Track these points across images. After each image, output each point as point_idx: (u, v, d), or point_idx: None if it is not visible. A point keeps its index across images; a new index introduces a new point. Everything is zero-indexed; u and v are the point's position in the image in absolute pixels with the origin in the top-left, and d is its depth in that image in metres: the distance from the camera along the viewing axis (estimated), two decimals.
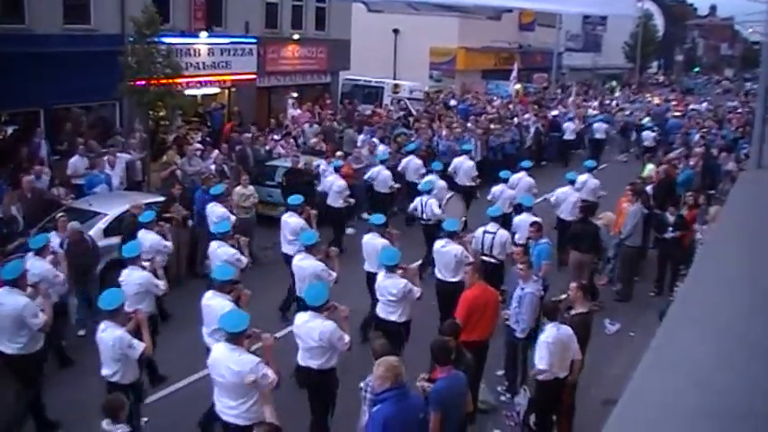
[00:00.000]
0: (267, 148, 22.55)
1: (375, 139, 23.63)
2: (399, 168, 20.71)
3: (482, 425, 10.73)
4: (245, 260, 12.61)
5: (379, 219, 13.35)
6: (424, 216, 16.37)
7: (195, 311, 10.50)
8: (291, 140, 23.84)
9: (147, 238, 13.09)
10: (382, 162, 19.92)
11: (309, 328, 9.17)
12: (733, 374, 4.09)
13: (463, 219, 17.19)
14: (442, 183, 18.09)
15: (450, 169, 20.28)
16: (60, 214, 14.45)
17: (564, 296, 10.96)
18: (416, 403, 7.46)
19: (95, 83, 21.31)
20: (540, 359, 9.55)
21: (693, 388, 3.85)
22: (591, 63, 69.43)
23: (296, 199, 14.43)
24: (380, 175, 19.71)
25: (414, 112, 32.99)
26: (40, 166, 17.60)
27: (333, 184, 18.10)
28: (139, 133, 21.08)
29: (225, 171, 19.18)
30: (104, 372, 9.09)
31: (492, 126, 28.14)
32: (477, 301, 10.61)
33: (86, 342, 11.69)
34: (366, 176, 20.08)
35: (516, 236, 14.49)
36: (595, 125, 33.50)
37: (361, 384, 8.52)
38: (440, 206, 16.55)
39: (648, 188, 19.28)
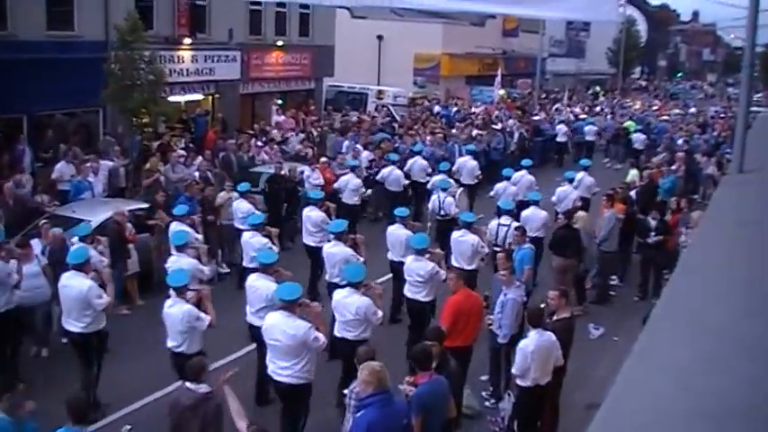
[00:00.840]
0: (250, 154, 22.51)
1: (359, 146, 23.66)
2: (405, 169, 21.25)
3: (467, 430, 10.75)
4: (276, 249, 13.07)
5: (403, 212, 14.22)
6: (442, 212, 17.20)
7: None
8: (275, 147, 23.81)
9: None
10: (352, 169, 19.66)
11: (347, 302, 10.19)
12: (715, 377, 4.10)
13: None
14: (452, 181, 18.88)
15: (454, 168, 21.01)
16: (43, 221, 14.40)
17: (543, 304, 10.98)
18: (400, 409, 7.45)
19: (79, 89, 21.26)
20: (515, 366, 9.61)
21: (676, 391, 3.86)
22: (574, 68, 69.65)
23: (317, 194, 15.77)
24: (392, 175, 20.47)
25: (398, 119, 33.03)
26: (20, 175, 17.48)
27: (349, 182, 18.92)
28: (127, 139, 21.06)
29: (209, 178, 19.13)
30: (170, 344, 10.07)
31: (476, 132, 28.31)
32: (462, 306, 10.64)
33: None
34: (378, 177, 20.85)
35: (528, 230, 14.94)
36: (586, 128, 34.74)
37: (345, 391, 8.52)
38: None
39: (632, 193, 19.42)
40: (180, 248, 12.41)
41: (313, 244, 14.89)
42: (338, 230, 12.80)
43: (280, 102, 30.63)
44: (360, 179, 19.70)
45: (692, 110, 53.17)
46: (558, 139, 33.60)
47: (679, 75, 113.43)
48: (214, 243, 17.14)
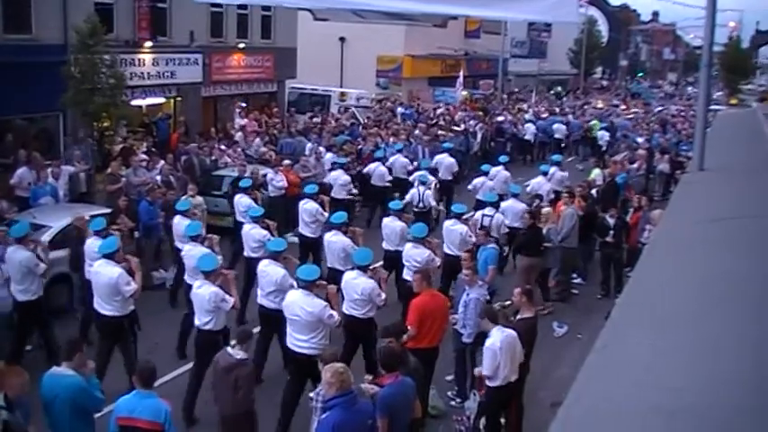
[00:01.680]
0: (213, 157, 22.39)
1: (321, 148, 23.67)
2: (387, 164, 22.30)
3: (432, 430, 10.78)
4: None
5: (397, 204, 15.68)
6: (421, 204, 18.53)
7: (150, 323, 11.71)
8: (239, 150, 23.72)
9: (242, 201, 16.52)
10: (341, 166, 20.47)
11: (355, 283, 11.22)
12: (673, 374, 4.15)
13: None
14: (431, 177, 20.19)
15: (432, 164, 22.04)
16: (1, 227, 14.20)
17: (508, 302, 11.06)
18: (365, 409, 7.49)
19: (38, 94, 20.95)
20: (485, 366, 9.66)
21: (635, 387, 3.91)
22: (536, 69, 70.03)
23: (312, 188, 16.73)
24: (377, 171, 21.64)
25: (361, 120, 33.06)
26: None
27: (338, 177, 20.15)
28: (85, 145, 20.85)
29: (171, 182, 19.01)
30: (197, 322, 11.12)
31: (439, 133, 28.50)
32: (427, 307, 10.69)
33: None
34: (364, 170, 22.01)
35: (506, 220, 16.38)
36: (554, 126, 37.01)
37: (311, 395, 8.54)
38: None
39: (594, 191, 19.63)
40: (194, 239, 13.19)
41: (309, 234, 16.17)
42: (339, 222, 13.95)
43: (244, 104, 30.49)
44: (386, 168, 21.78)
45: (658, 108, 54.10)
46: (527, 138, 35.02)
47: (640, 74, 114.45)
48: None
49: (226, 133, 26.35)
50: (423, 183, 19.17)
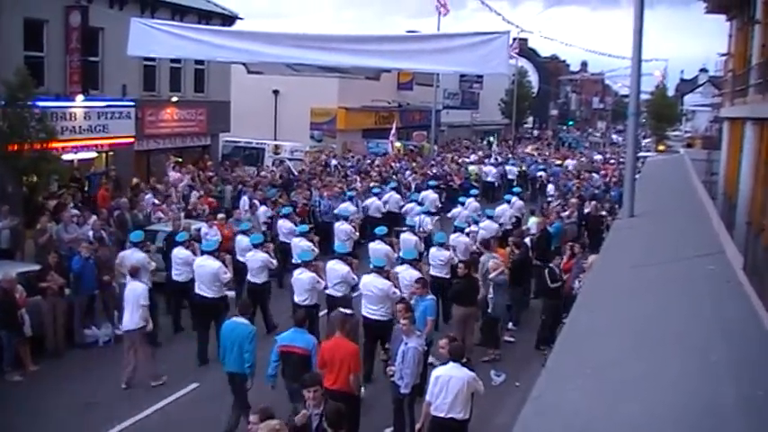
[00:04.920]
0: (147, 211, 22.11)
1: (256, 201, 23.63)
2: (383, 199, 26.64)
3: None
4: (275, 262, 17.39)
5: (381, 230, 18.55)
6: (421, 229, 21.18)
7: (77, 383, 12.19)
8: (173, 205, 23.48)
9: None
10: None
11: (373, 284, 14.22)
12: (605, 417, 4.20)
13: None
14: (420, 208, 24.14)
15: (419, 197, 26.53)
16: None
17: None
18: None
19: None
20: (428, 393, 9.95)
21: None
22: (469, 120, 70.92)
23: (303, 228, 19.72)
24: (373, 204, 26.03)
25: (295, 173, 33.09)
26: None
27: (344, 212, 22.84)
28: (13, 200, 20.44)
29: (103, 237, 18.74)
30: (297, 299, 15.06)
31: (373, 184, 28.76)
32: (324, 355, 11.07)
33: None
34: (362, 205, 25.60)
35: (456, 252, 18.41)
36: (507, 167, 43.16)
37: None
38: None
39: (527, 240, 19.85)
40: (256, 246, 16.95)
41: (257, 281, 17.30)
42: (342, 251, 16.79)
43: (180, 159, 30.29)
44: (381, 202, 26.30)
45: (598, 157, 55.96)
46: (489, 180, 40.26)
47: (570, 123, 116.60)
48: (109, 305, 16.80)
49: (154, 188, 25.89)
50: (424, 213, 22.88)
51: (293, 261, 17.42)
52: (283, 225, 21.00)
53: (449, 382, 9.98)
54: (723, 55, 37.03)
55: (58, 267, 15.82)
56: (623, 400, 4.61)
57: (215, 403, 13.09)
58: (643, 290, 7.95)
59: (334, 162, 38.23)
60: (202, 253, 16.12)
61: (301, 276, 15.14)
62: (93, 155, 27.47)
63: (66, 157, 24.95)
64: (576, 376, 5.15)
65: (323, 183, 28.65)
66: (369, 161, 40.00)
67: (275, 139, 41.42)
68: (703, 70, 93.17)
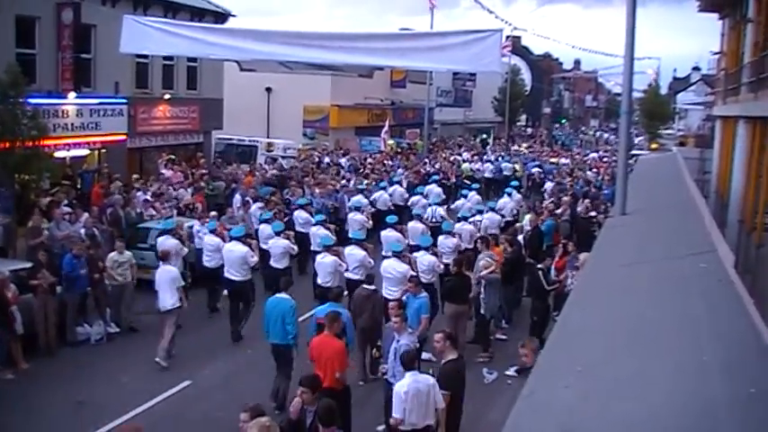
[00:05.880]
0: (139, 210, 22.05)
1: (249, 199, 23.63)
2: (389, 192, 27.90)
3: None
4: (295, 248, 18.64)
5: (392, 219, 20.28)
6: (433, 219, 22.83)
7: (69, 381, 12.06)
8: (165, 203, 23.42)
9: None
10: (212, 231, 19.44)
11: (393, 267, 15.44)
12: (595, 415, 4.21)
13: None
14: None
15: (425, 191, 27.95)
16: None
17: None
18: None
19: None
20: (394, 409, 9.72)
21: (560, 430, 3.94)
22: (462, 118, 70.90)
23: (319, 217, 20.78)
24: (381, 198, 27.02)
25: (286, 168, 33.07)
26: None
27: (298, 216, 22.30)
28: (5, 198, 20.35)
29: (96, 235, 18.69)
30: (320, 281, 16.21)
31: (365, 182, 28.82)
32: (313, 351, 11.24)
33: None
34: (371, 198, 26.64)
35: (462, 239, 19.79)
36: (503, 165, 42.96)
37: None
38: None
39: (520, 237, 19.86)
40: (278, 234, 18.43)
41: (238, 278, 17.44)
42: (358, 238, 17.66)
43: (173, 157, 30.23)
44: (388, 195, 27.56)
45: (593, 155, 55.93)
46: (486, 175, 40.67)
47: (563, 121, 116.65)
48: (101, 303, 16.77)
49: (144, 183, 25.79)
50: (435, 203, 24.68)
51: (312, 249, 18.92)
52: (299, 215, 21.82)
53: (416, 395, 9.77)
54: (716, 53, 36.99)
55: (49, 265, 15.78)
56: (614, 397, 4.62)
57: (206, 401, 13.15)
58: (635, 288, 7.96)
59: (327, 159, 38.19)
60: (231, 239, 17.21)
61: (324, 260, 16.36)
62: (85, 152, 27.41)
63: (58, 154, 24.91)
64: (567, 374, 5.16)
65: (316, 180, 28.63)
66: (362, 158, 39.98)
67: (268, 137, 41.33)
68: (696, 68, 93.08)
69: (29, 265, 16.00)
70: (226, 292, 17.51)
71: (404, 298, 13.45)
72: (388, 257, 16.18)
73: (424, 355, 13.66)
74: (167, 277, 15.30)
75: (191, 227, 19.91)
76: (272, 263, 18.20)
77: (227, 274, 16.89)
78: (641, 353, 5.54)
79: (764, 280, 15.67)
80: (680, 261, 8.95)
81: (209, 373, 14.60)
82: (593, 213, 24.83)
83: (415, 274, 15.08)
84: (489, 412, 12.59)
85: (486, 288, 16.22)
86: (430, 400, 9.79)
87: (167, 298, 15.21)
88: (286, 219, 21.44)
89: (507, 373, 14.86)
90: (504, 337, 17.34)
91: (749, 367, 5.41)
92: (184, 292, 15.73)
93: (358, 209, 23.07)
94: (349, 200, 25.52)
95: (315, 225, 20.02)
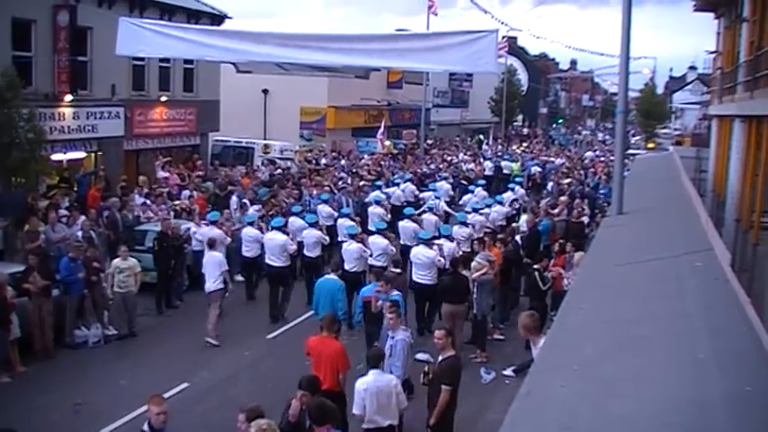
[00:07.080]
0: (135, 213, 22.03)
1: (246, 200, 23.62)
2: (401, 190, 29.21)
3: None
4: (327, 238, 19.93)
5: (410, 211, 22.34)
6: (435, 211, 23.99)
7: (67, 384, 12.10)
8: (163, 205, 23.38)
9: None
10: (250, 224, 20.27)
11: (422, 253, 16.88)
12: (594, 413, 4.22)
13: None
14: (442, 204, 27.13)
15: (436, 186, 30.17)
16: None
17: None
18: None
19: None
20: (354, 405, 9.85)
21: (558, 428, 3.95)
22: (459, 118, 70.88)
23: (345, 210, 23.08)
24: (395, 194, 28.59)
25: (281, 168, 33.08)
26: None
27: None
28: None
29: (93, 238, 18.69)
30: (347, 267, 17.31)
31: (362, 184, 28.89)
32: (311, 351, 11.25)
33: None
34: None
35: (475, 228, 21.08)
36: (503, 163, 44.16)
37: None
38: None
39: (518, 237, 19.87)
40: (312, 225, 19.86)
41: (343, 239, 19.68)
42: (381, 228, 19.33)
43: (169, 158, 30.19)
44: (402, 192, 29.02)
45: (589, 153, 55.97)
46: (486, 173, 40.93)
47: (560, 121, 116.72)
48: (99, 306, 16.75)
49: (140, 185, 25.76)
50: (437, 198, 26.99)
51: (338, 239, 20.45)
52: (323, 210, 23.36)
53: (377, 393, 9.86)
54: (711, 53, 37.06)
55: (42, 268, 15.65)
56: (611, 396, 4.63)
57: (204, 403, 13.15)
58: (631, 287, 7.97)
59: (324, 161, 38.20)
60: (271, 229, 19.05)
61: (350, 247, 17.88)
62: (82, 155, 27.39)
63: (54, 157, 24.90)
64: (565, 373, 5.16)
65: (312, 182, 28.65)
66: (358, 159, 40.02)
67: (265, 139, 41.30)
68: (692, 68, 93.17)
69: (21, 268, 15.92)
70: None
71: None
72: (417, 245, 17.63)
73: (421, 356, 13.69)
74: (213, 262, 16.88)
75: (187, 229, 19.93)
76: (306, 252, 19.62)
77: (268, 261, 18.55)
78: (638, 351, 5.55)
79: (761, 278, 15.73)
80: (676, 260, 8.96)
81: (207, 375, 14.61)
82: (584, 219, 24.09)
83: (441, 260, 16.87)
84: (486, 412, 12.64)
85: (479, 289, 16.24)
86: (392, 401, 9.86)
87: (212, 281, 16.70)
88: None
89: (505, 372, 14.91)
90: (501, 337, 17.38)
91: (745, 365, 5.42)
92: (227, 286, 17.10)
93: (378, 203, 24.59)
94: (348, 200, 25.71)
95: (341, 217, 21.88)
